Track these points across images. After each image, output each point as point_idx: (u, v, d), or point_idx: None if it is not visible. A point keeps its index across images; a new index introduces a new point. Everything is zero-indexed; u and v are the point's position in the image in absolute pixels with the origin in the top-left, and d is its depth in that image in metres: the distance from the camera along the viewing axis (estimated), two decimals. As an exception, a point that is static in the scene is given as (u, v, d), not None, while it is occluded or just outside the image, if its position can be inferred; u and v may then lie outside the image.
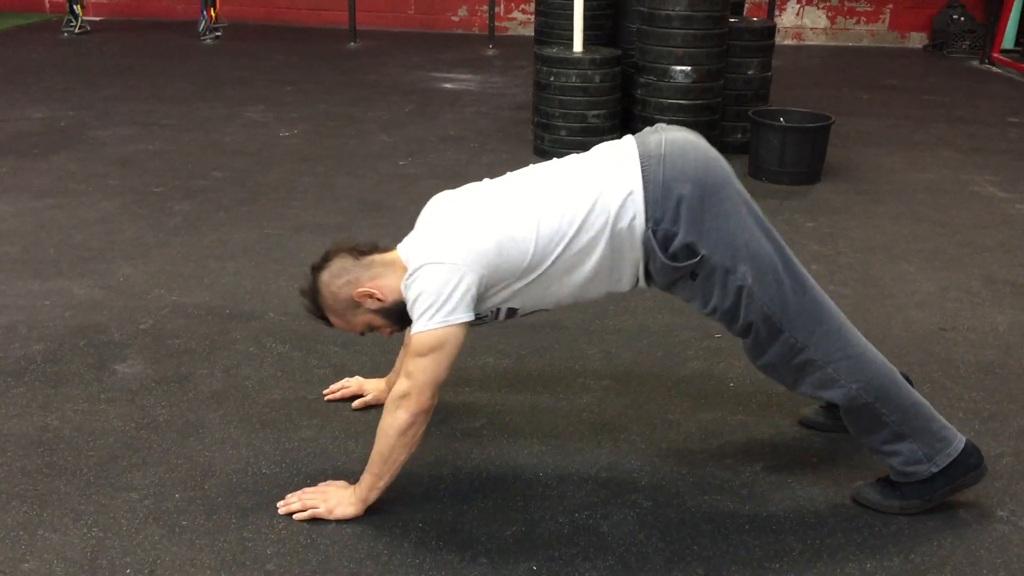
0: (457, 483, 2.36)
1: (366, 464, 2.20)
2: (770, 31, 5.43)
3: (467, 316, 2.07)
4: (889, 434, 2.20)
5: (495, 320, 2.27)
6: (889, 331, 3.21)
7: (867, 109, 6.64)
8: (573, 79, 5.09)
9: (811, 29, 9.57)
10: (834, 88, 7.34)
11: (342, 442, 2.52)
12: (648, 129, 2.24)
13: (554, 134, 5.19)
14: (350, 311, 2.23)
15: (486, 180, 2.30)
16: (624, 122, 5.29)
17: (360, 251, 2.27)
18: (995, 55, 8.29)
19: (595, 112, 5.13)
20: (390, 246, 2.28)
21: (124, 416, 2.62)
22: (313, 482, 2.31)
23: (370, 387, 2.71)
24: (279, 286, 3.49)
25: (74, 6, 8.75)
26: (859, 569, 2.08)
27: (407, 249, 2.21)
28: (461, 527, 2.20)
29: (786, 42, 9.37)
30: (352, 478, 2.26)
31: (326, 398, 2.72)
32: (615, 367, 2.96)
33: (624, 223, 2.09)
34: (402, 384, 2.10)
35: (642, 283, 2.21)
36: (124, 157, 5.07)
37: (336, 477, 2.32)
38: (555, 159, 2.28)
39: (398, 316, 2.21)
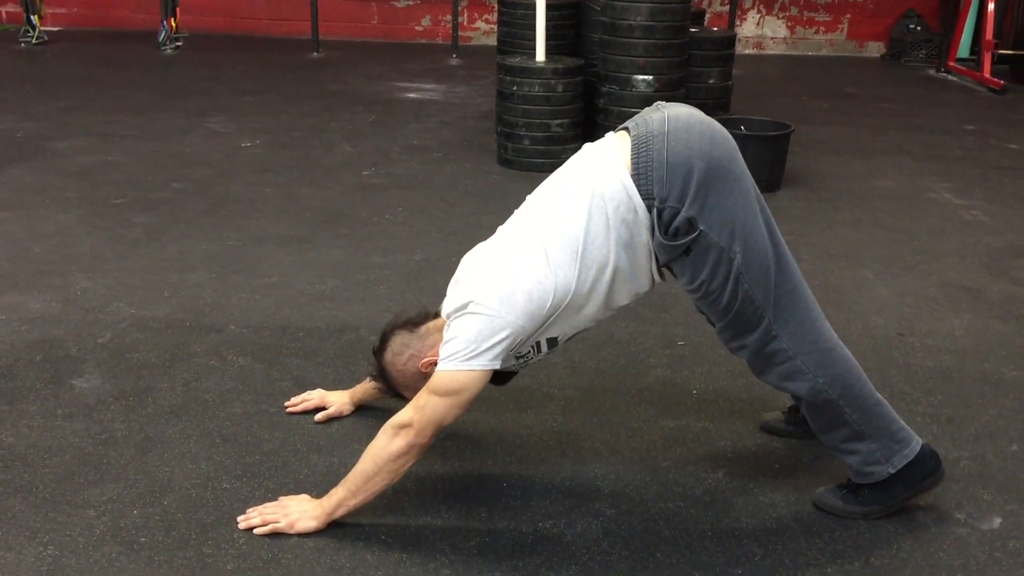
0: (420, 494, 2.35)
1: (329, 478, 2.19)
2: (730, 41, 5.49)
3: (492, 365, 2.08)
4: (849, 432, 2.22)
5: (537, 356, 2.25)
6: (848, 337, 3.24)
7: (826, 117, 6.73)
8: (536, 88, 5.11)
9: (771, 39, 9.68)
10: (794, 97, 7.43)
11: (304, 455, 2.50)
12: (648, 108, 2.22)
13: (517, 143, 5.20)
14: (421, 382, 2.21)
15: (500, 228, 2.28)
16: (587, 131, 5.32)
17: (414, 323, 2.32)
18: (950, 64, 8.44)
19: (558, 121, 5.15)
20: (437, 310, 2.31)
21: (81, 432, 2.58)
22: (274, 496, 2.29)
23: (332, 399, 2.69)
24: (240, 298, 3.46)
25: (31, 16, 8.63)
26: (820, 573, 2.10)
27: (448, 308, 2.21)
28: (425, 538, 2.18)
29: (747, 51, 9.47)
30: (314, 492, 2.25)
31: (288, 411, 2.70)
32: (579, 376, 2.96)
33: (625, 214, 2.06)
34: (407, 414, 2.10)
35: (656, 276, 2.19)
36: (82, 169, 5.01)
37: (298, 491, 2.30)
38: (548, 179, 2.25)
39: None
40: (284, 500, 2.25)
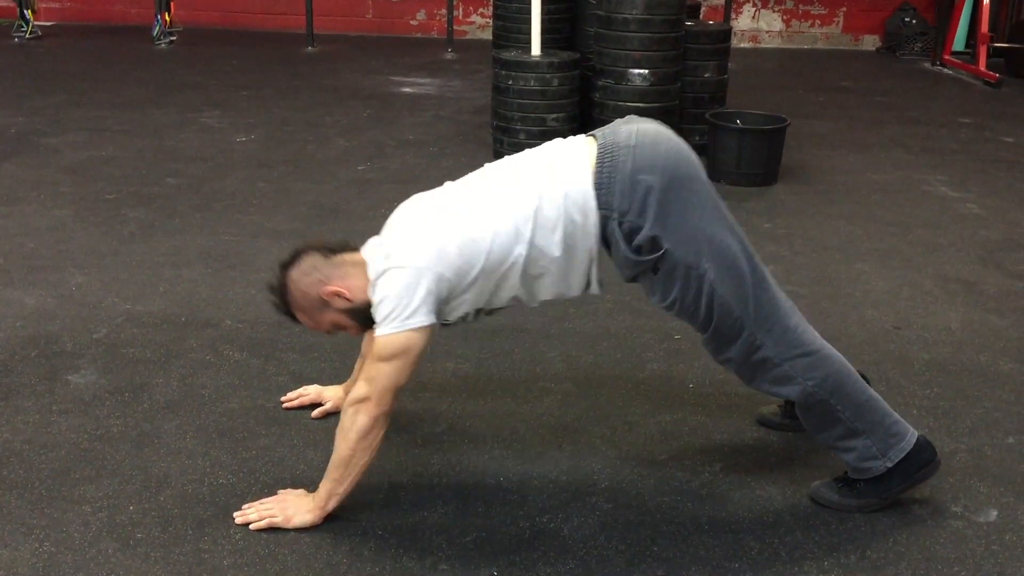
0: (417, 489, 2.34)
1: (325, 472, 2.18)
2: (726, 34, 5.48)
3: (428, 320, 2.07)
4: (844, 430, 2.22)
5: (464, 323, 2.27)
6: (845, 330, 3.25)
7: (822, 111, 6.73)
8: (531, 83, 5.10)
9: (767, 32, 9.67)
10: (790, 90, 7.42)
11: (300, 451, 2.49)
12: (619, 120, 2.24)
13: (513, 137, 5.19)
14: (318, 309, 2.22)
15: (448, 183, 2.30)
16: (583, 125, 5.30)
17: (330, 249, 2.26)
18: (946, 57, 8.43)
19: (554, 115, 5.14)
20: (359, 245, 2.28)
21: (77, 427, 2.57)
22: (271, 491, 2.29)
23: (329, 395, 2.69)
24: (236, 293, 3.45)
25: (25, 11, 8.59)
26: (817, 567, 2.10)
27: (371, 251, 2.21)
28: (421, 534, 2.18)
29: (742, 45, 9.46)
30: (311, 486, 2.24)
31: (284, 406, 2.70)
32: (575, 370, 2.96)
33: (576, 215, 2.09)
34: (361, 388, 2.09)
35: (595, 288, 2.21)
36: (76, 164, 4.99)
37: (295, 486, 2.30)
38: (512, 156, 2.29)
39: (364, 317, 2.20)
40: (281, 495, 2.25)
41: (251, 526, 2.17)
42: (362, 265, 2.21)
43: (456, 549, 2.13)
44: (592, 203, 2.08)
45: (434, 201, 2.24)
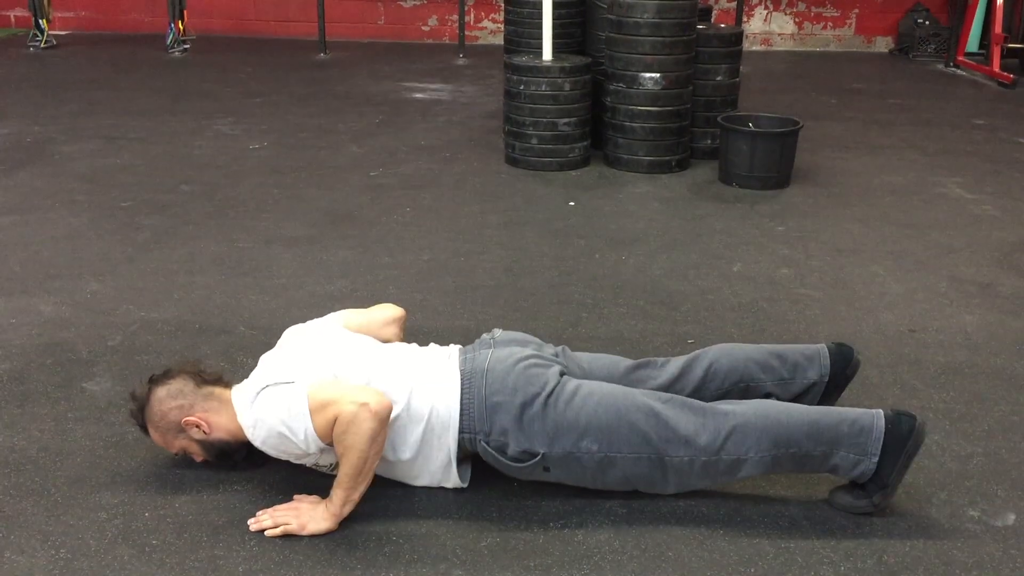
0: (431, 495, 2.34)
1: (336, 481, 2.18)
2: (738, 37, 5.47)
3: (304, 383, 2.18)
4: (815, 461, 2.23)
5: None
6: (859, 333, 3.23)
7: (835, 113, 6.71)
8: (543, 87, 5.10)
9: (779, 35, 9.65)
10: (802, 93, 7.40)
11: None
12: (485, 337, 2.41)
13: (525, 142, 5.20)
14: (171, 432, 2.32)
15: (332, 333, 2.42)
16: (594, 129, 5.31)
17: (204, 379, 2.35)
18: (959, 58, 8.39)
19: (565, 120, 5.14)
20: (231, 383, 2.37)
21: (92, 435, 2.58)
22: (285, 498, 2.29)
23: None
24: (249, 300, 3.47)
25: (40, 20, 8.66)
26: (833, 571, 2.09)
27: (239, 393, 2.29)
28: (435, 539, 2.18)
29: (754, 48, 9.45)
30: (325, 494, 2.24)
31: (298, 412, 2.70)
32: (588, 375, 2.95)
33: (436, 433, 2.22)
34: (349, 408, 2.09)
35: (456, 483, 2.30)
36: (91, 172, 5.02)
37: (309, 492, 2.29)
38: (399, 344, 2.46)
39: (216, 451, 2.32)
40: (295, 501, 2.25)
41: (266, 533, 2.17)
42: (228, 403, 2.29)
43: (470, 555, 2.13)
44: (455, 423, 2.22)
45: (313, 339, 2.37)
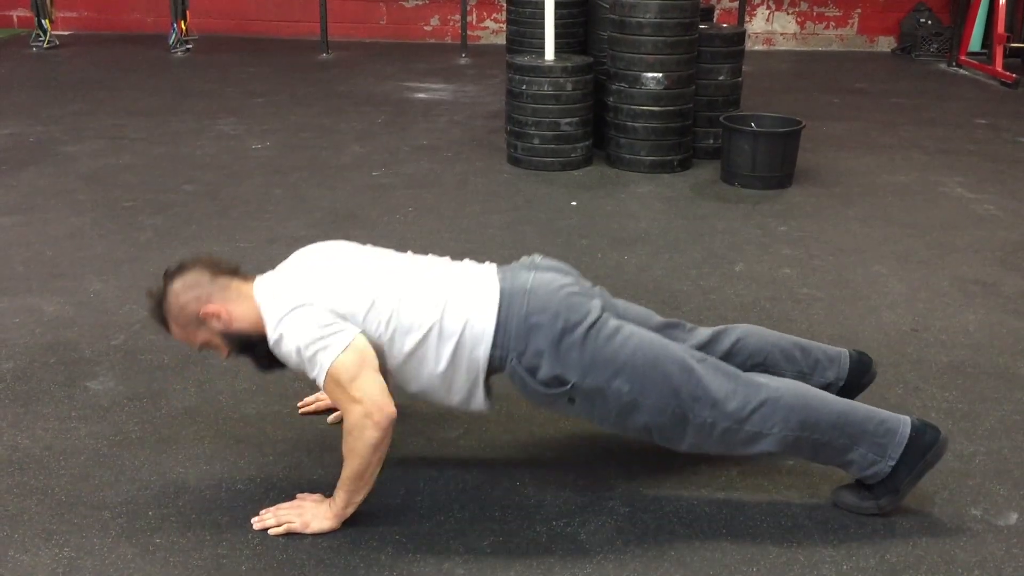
0: (434, 494, 2.35)
1: (339, 483, 2.19)
2: (740, 37, 5.47)
3: (354, 329, 2.12)
4: (833, 451, 2.22)
5: None
6: (862, 333, 3.23)
7: (837, 113, 6.70)
8: (545, 87, 5.10)
9: (781, 34, 9.65)
10: (804, 92, 7.40)
11: (317, 455, 2.50)
12: (525, 259, 2.35)
13: (527, 142, 5.20)
14: (192, 326, 2.25)
15: (358, 247, 2.37)
16: (596, 129, 5.31)
17: (220, 270, 2.28)
18: (962, 58, 8.39)
19: (568, 120, 5.14)
20: (251, 275, 2.31)
21: (96, 434, 2.59)
22: (289, 496, 2.29)
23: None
24: (252, 299, 3.46)
25: (42, 21, 8.66)
26: (835, 570, 2.09)
27: (265, 289, 2.24)
28: (438, 538, 2.19)
29: (756, 48, 9.44)
30: (328, 491, 2.25)
31: (300, 411, 2.71)
32: (591, 374, 2.95)
33: (467, 348, 2.17)
34: (355, 411, 2.08)
35: (481, 407, 2.27)
36: (94, 172, 5.03)
37: (312, 491, 2.30)
38: (432, 256, 2.39)
39: (238, 343, 2.25)
40: (298, 500, 2.26)
41: (269, 531, 2.18)
42: (248, 296, 2.24)
43: (473, 554, 2.13)
44: (488, 339, 2.17)
45: (348, 257, 2.31)
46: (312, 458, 2.49)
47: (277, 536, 2.17)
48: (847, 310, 3.44)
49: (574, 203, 4.65)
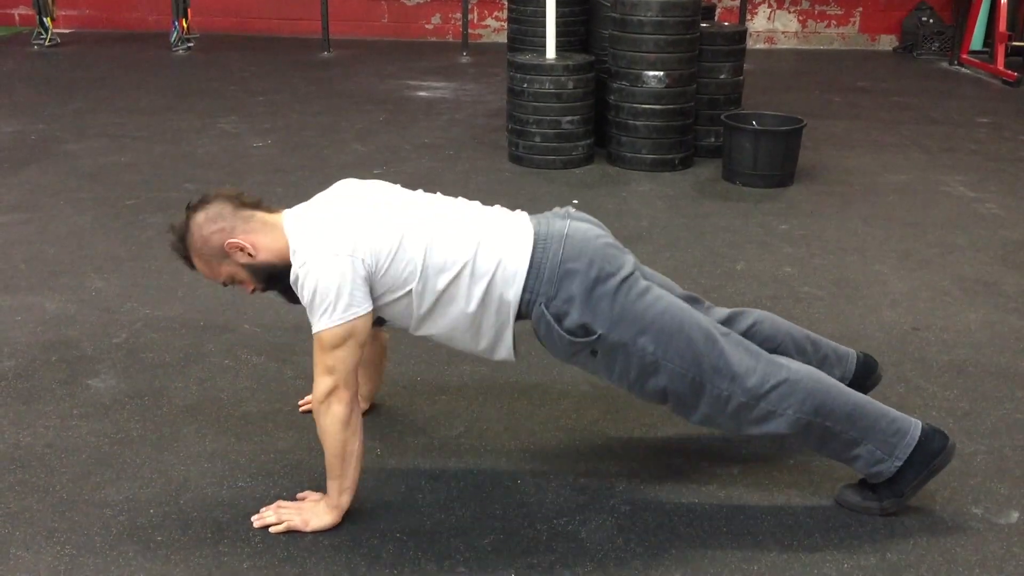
0: (435, 492, 2.35)
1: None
2: (741, 35, 5.47)
3: (366, 307, 2.09)
4: (841, 443, 2.21)
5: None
6: (863, 332, 3.23)
7: (838, 111, 6.70)
8: (547, 85, 5.10)
9: (782, 33, 9.64)
10: (806, 91, 7.40)
11: (318, 453, 2.48)
12: (559, 210, 2.33)
13: (528, 140, 5.20)
14: (216, 259, 2.19)
15: (392, 186, 2.32)
16: (598, 127, 5.31)
17: (243, 202, 2.22)
18: (964, 56, 8.38)
19: (569, 118, 5.14)
20: (276, 208, 2.25)
21: (97, 431, 2.59)
22: (290, 494, 2.30)
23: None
24: (253, 298, 3.45)
25: (44, 19, 8.66)
26: (836, 569, 2.09)
27: (296, 221, 2.18)
28: (439, 536, 2.19)
29: (758, 46, 9.43)
30: (329, 489, 2.25)
31: (301, 409, 2.71)
32: (592, 372, 2.95)
33: (498, 289, 2.14)
34: (326, 381, 2.08)
35: (507, 355, 2.25)
36: (95, 170, 5.03)
37: (313, 488, 2.30)
38: (463, 199, 2.34)
39: (265, 275, 2.20)
40: (299, 498, 2.26)
41: (270, 529, 2.18)
42: (274, 228, 2.18)
43: (474, 552, 2.14)
44: (520, 281, 2.14)
45: (380, 197, 2.24)
46: (313, 456, 2.49)
47: (278, 534, 2.17)
48: (848, 309, 3.44)
49: (575, 201, 4.65)
